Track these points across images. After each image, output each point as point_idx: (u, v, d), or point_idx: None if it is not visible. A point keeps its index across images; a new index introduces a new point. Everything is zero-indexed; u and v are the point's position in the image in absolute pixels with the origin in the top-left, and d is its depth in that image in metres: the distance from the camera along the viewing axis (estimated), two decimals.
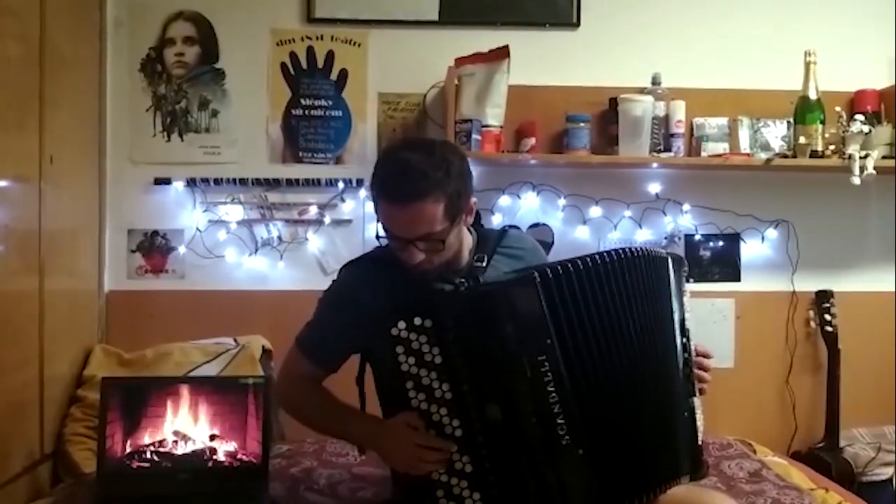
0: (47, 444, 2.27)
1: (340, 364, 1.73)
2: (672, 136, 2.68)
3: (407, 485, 1.57)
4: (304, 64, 2.79)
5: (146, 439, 2.01)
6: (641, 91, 2.64)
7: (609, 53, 2.81)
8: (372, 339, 1.54)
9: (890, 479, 2.63)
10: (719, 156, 2.68)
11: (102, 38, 2.68)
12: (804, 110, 2.61)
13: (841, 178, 2.57)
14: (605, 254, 1.48)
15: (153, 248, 2.75)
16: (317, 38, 2.79)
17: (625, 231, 2.80)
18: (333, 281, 1.75)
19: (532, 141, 2.66)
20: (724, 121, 2.74)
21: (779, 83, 2.73)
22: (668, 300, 1.56)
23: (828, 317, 2.77)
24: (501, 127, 2.62)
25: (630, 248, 1.51)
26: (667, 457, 1.52)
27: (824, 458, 2.62)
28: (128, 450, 1.99)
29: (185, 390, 2.04)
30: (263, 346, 2.59)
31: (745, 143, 2.71)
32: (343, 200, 2.77)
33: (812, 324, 2.82)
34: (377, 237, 1.59)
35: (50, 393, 2.27)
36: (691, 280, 2.71)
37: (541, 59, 2.77)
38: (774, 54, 2.80)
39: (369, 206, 1.66)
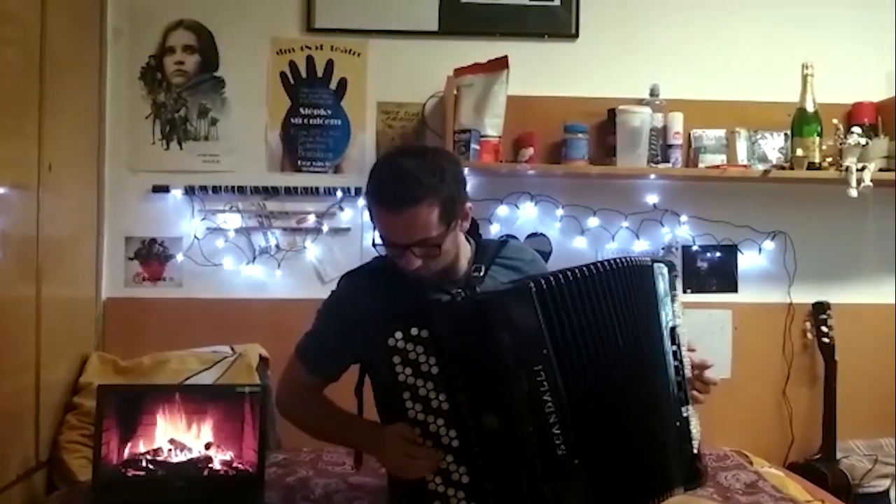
0: (42, 452, 2.26)
1: (340, 373, 1.74)
2: (670, 147, 2.68)
3: (403, 495, 1.57)
4: (303, 73, 2.79)
5: (142, 447, 2.01)
6: (640, 102, 2.65)
7: (607, 65, 2.82)
8: (370, 349, 1.54)
9: (886, 491, 2.63)
10: (717, 167, 2.69)
11: (102, 45, 2.68)
12: (801, 122, 2.62)
13: (838, 191, 2.58)
14: (593, 265, 1.47)
15: (151, 255, 2.75)
16: (316, 48, 2.79)
17: (622, 241, 2.80)
18: (333, 291, 1.76)
19: (530, 151, 2.66)
20: (721, 132, 2.74)
21: (776, 95, 2.74)
22: (655, 308, 1.55)
23: (825, 328, 2.77)
24: (500, 137, 2.63)
25: (617, 259, 1.51)
26: (658, 467, 1.52)
27: (821, 470, 2.62)
28: (123, 458, 1.99)
29: (181, 398, 2.04)
30: (260, 355, 2.58)
31: (742, 155, 2.71)
32: (341, 209, 2.77)
33: (809, 335, 2.82)
34: (374, 245, 1.60)
35: (46, 400, 2.26)
36: (688, 291, 2.77)
37: (539, 70, 2.78)
38: (772, 66, 2.81)
39: (367, 215, 1.67)
